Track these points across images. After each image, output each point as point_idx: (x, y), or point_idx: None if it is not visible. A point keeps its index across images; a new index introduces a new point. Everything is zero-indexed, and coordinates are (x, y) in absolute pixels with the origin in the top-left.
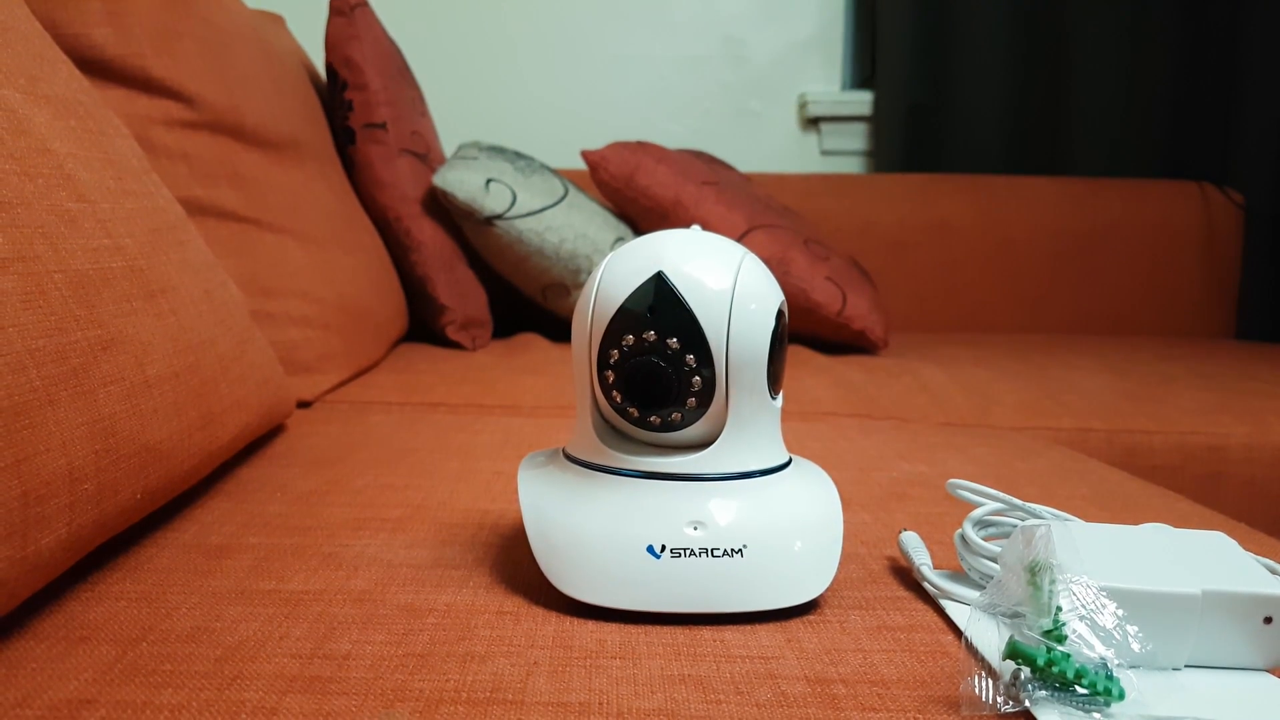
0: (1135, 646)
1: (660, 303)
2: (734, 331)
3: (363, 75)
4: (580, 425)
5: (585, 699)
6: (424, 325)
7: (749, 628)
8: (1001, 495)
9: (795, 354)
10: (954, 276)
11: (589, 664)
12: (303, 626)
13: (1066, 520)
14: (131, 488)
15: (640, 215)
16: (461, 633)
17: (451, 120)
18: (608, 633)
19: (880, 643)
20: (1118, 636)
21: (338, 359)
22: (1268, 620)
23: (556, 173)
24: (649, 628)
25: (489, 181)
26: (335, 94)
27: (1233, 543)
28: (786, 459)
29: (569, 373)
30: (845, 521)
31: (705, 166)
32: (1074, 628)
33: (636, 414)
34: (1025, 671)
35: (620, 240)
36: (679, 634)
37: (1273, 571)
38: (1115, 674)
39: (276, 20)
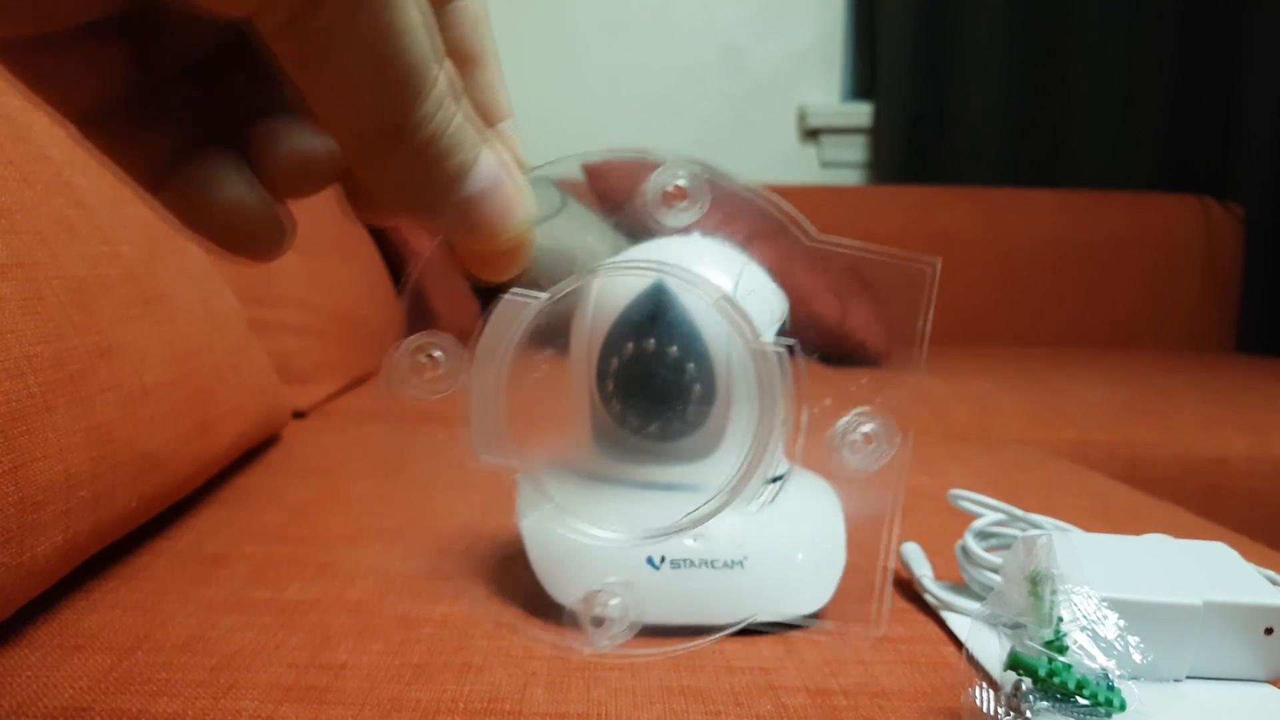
0: (1137, 657)
1: (660, 310)
2: (735, 339)
3: None
4: (579, 435)
5: (583, 710)
6: None
7: (749, 639)
8: (1003, 506)
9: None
10: (954, 288)
11: (587, 675)
12: (298, 636)
13: (1068, 531)
14: (128, 495)
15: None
16: (459, 643)
17: None
18: None
19: (881, 654)
20: (1119, 647)
21: (333, 368)
22: (1269, 631)
23: (555, 183)
24: (648, 639)
25: None
26: None
27: (1234, 554)
28: (787, 469)
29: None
30: (846, 533)
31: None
32: (1075, 638)
33: (636, 423)
34: (1027, 682)
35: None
36: (678, 645)
37: (1274, 582)
38: (1116, 685)
39: None
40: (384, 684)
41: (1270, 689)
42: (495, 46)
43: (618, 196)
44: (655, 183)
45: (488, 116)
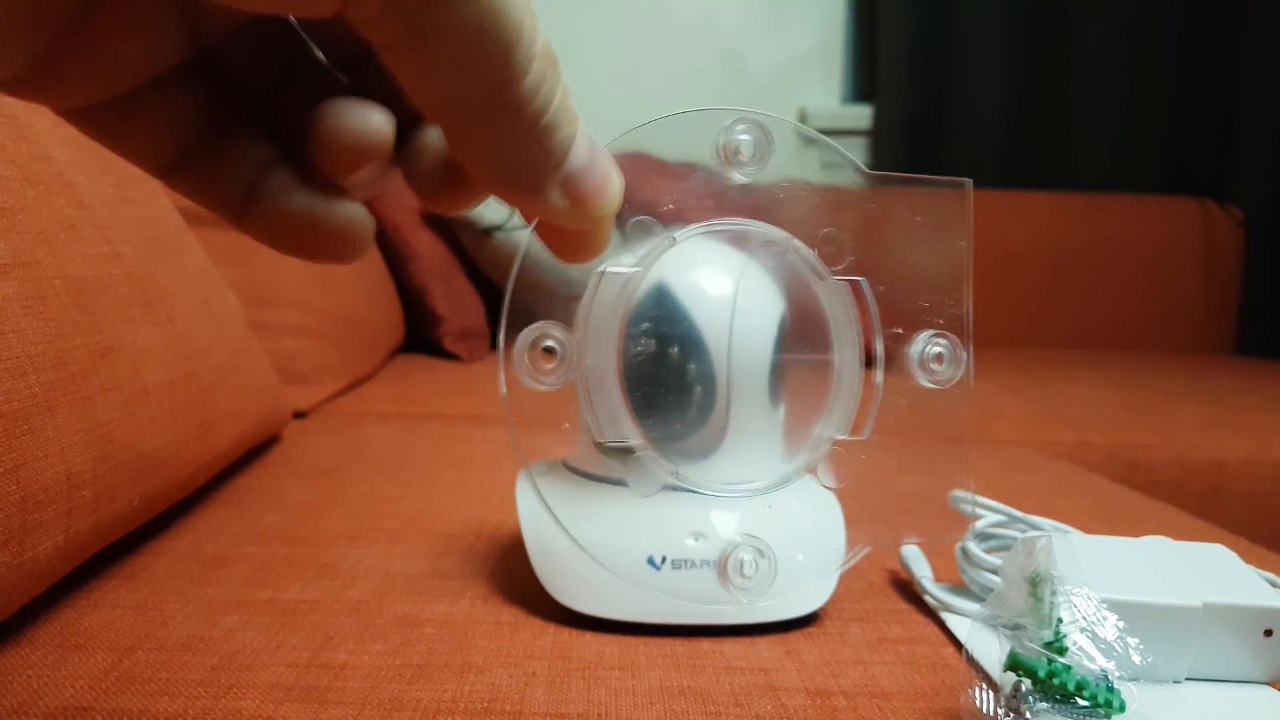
0: (1136, 659)
1: (662, 313)
2: (735, 341)
3: None
4: (580, 435)
5: (584, 710)
6: (421, 336)
7: (749, 640)
8: (1003, 507)
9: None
10: None
11: (588, 675)
12: (299, 636)
13: (1067, 533)
14: (129, 495)
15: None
16: (459, 643)
17: None
18: (607, 644)
19: (881, 655)
20: (1119, 648)
21: (334, 369)
22: (1268, 633)
23: None
24: (648, 639)
25: None
26: None
27: (1233, 555)
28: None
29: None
30: (846, 534)
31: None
32: (1075, 639)
33: (637, 424)
34: (1026, 683)
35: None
36: (678, 645)
37: (1273, 584)
38: (1116, 686)
39: None
40: (384, 684)
41: (1270, 690)
42: None
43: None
44: (720, 140)
45: None
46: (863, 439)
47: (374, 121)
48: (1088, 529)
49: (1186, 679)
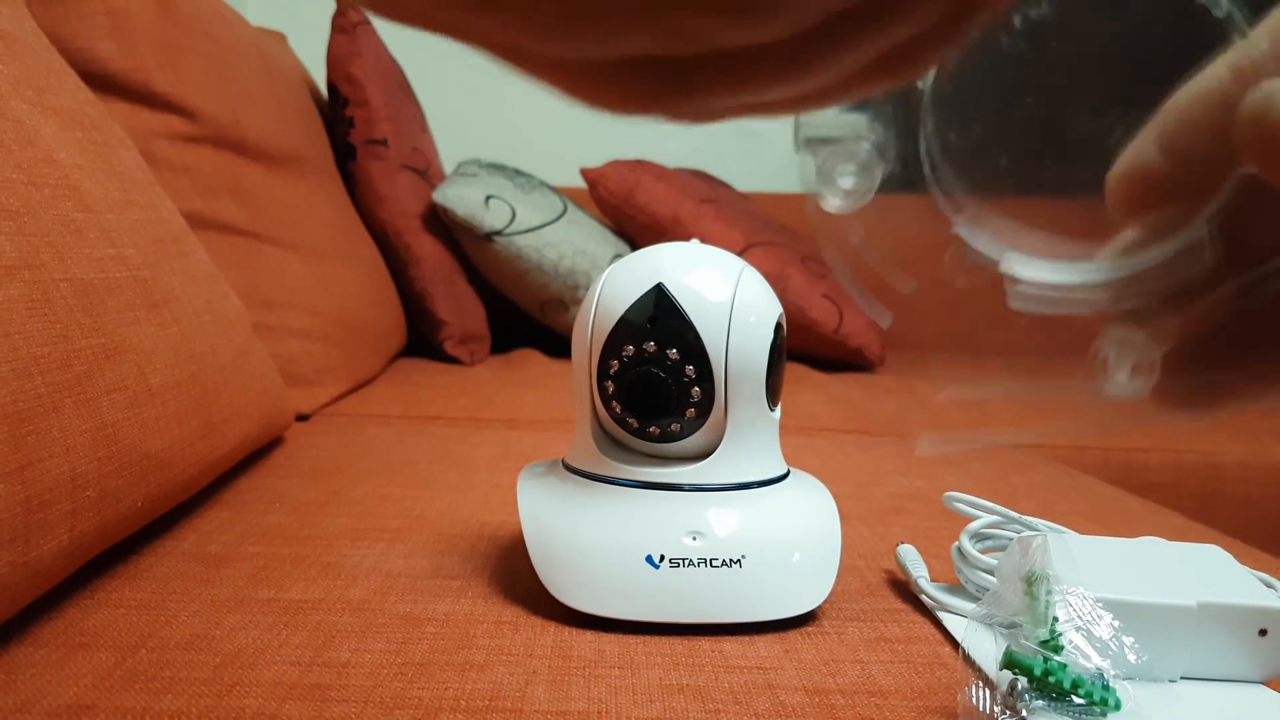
0: (1131, 657)
1: (660, 314)
2: (733, 343)
3: (364, 92)
4: (580, 436)
5: (584, 708)
6: (423, 340)
7: (747, 638)
8: (998, 508)
9: (792, 370)
10: (948, 295)
11: (588, 673)
12: (302, 635)
13: (1063, 533)
14: (133, 495)
15: (639, 232)
16: (460, 642)
17: (452, 137)
18: (606, 642)
19: (878, 654)
20: (1114, 647)
21: (337, 372)
22: (1263, 633)
23: (556, 190)
24: (648, 637)
25: (489, 198)
26: (336, 110)
27: (1228, 556)
28: (785, 471)
29: (567, 387)
30: (843, 535)
31: (704, 184)
32: (1070, 638)
33: (636, 424)
34: (1022, 681)
35: (618, 257)
36: (677, 644)
37: (1268, 585)
38: (1111, 684)
39: (279, 38)
40: (386, 682)
41: (1264, 690)
42: None
43: (617, 201)
44: (824, 164)
45: None
46: None
47: None
48: (1083, 530)
49: (1181, 678)
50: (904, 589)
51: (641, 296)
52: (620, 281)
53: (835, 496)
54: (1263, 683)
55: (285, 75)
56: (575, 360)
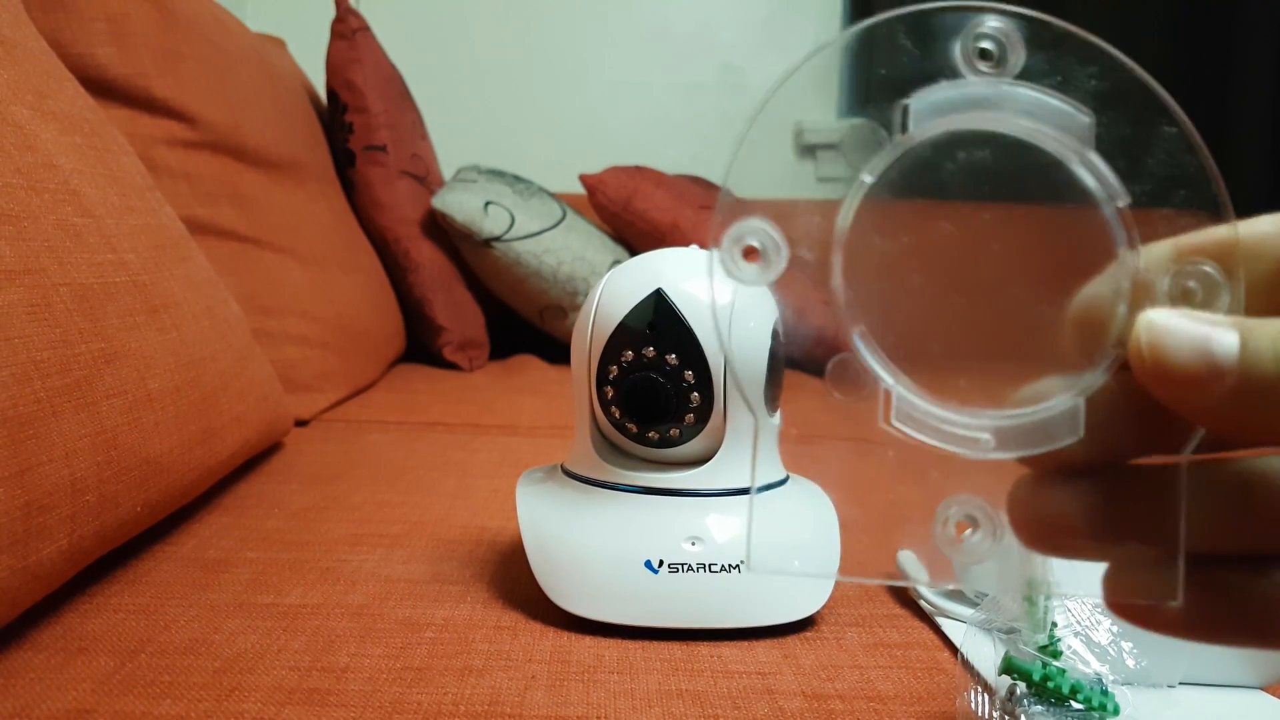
0: (1130, 663)
1: (659, 319)
2: (732, 349)
3: (363, 98)
4: (579, 441)
5: (583, 713)
6: (421, 346)
7: (746, 644)
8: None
9: (790, 377)
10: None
11: (587, 678)
12: (301, 640)
13: None
14: (132, 500)
15: (637, 238)
16: (459, 647)
17: (451, 143)
18: (605, 647)
19: (877, 659)
20: (1113, 653)
21: (335, 378)
22: None
23: (555, 196)
24: (647, 643)
25: (488, 204)
26: (336, 116)
27: None
28: (784, 476)
29: (566, 393)
30: (842, 541)
31: (702, 191)
32: (1069, 644)
33: (635, 429)
34: (1021, 686)
35: (617, 263)
36: (676, 649)
37: None
38: (1110, 690)
39: (278, 44)
40: (385, 687)
41: (1262, 695)
42: None
43: (616, 208)
44: (965, 37)
45: None
46: None
47: None
48: None
49: (1180, 683)
50: (903, 594)
51: (641, 302)
52: (620, 287)
53: (834, 502)
54: (1260, 688)
55: (285, 81)
56: (574, 365)
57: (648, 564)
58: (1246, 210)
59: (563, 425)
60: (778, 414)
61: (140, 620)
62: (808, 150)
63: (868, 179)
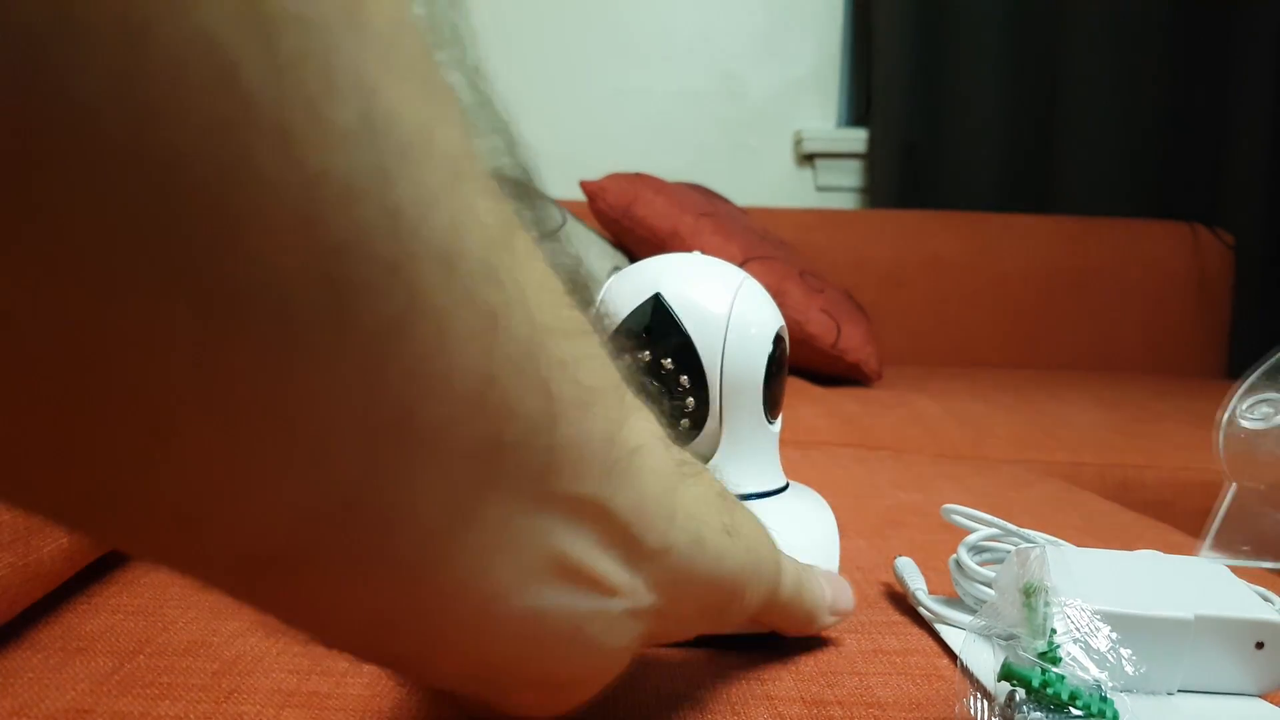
0: (1129, 669)
1: (656, 324)
2: (729, 355)
3: None
4: None
5: (580, 718)
6: None
7: (745, 649)
8: (996, 520)
9: (789, 384)
10: (947, 311)
11: None
12: (300, 642)
13: (1060, 545)
14: None
15: (637, 245)
16: None
17: None
18: None
19: (876, 666)
20: (1112, 659)
21: None
22: (1259, 646)
23: (554, 202)
24: (643, 649)
25: None
26: None
27: (1225, 570)
28: (784, 483)
29: None
30: (841, 547)
31: (702, 198)
32: (1068, 650)
33: None
34: (1020, 693)
35: (617, 269)
36: (674, 654)
37: (1265, 599)
38: (1109, 696)
39: None
40: (385, 691)
41: (1261, 703)
42: None
43: (615, 214)
44: None
45: None
46: None
47: None
48: (1080, 544)
49: (1179, 690)
50: (902, 601)
51: (638, 307)
52: (619, 291)
53: (833, 509)
54: (1259, 696)
55: None
56: None
57: None
58: (1248, 208)
59: None
60: (778, 421)
61: (139, 621)
62: (807, 159)
63: None
